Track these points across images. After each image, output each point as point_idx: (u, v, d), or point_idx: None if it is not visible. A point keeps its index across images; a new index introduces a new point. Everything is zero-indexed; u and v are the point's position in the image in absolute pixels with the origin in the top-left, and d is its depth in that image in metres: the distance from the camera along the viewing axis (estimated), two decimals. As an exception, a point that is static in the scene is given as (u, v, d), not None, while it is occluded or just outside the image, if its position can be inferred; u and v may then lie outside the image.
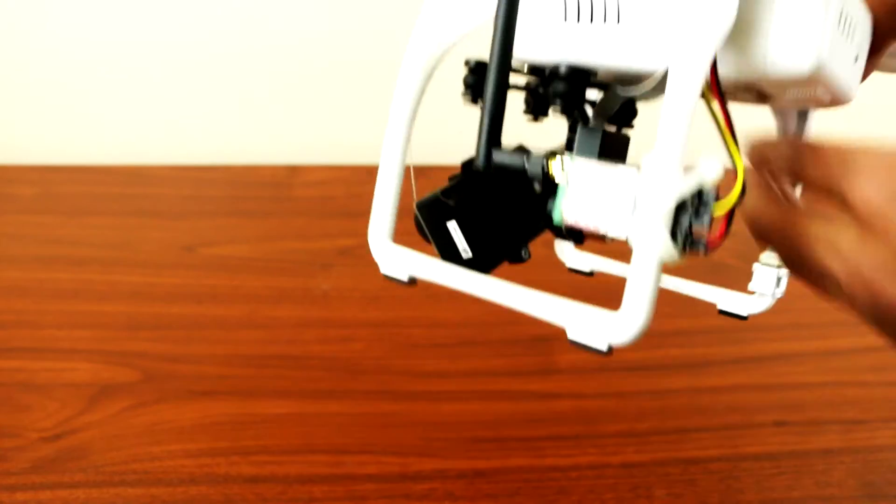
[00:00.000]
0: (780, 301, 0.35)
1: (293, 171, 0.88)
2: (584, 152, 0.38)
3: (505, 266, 0.37)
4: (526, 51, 0.36)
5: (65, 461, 0.49)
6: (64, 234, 0.75)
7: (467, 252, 0.38)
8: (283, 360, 0.59)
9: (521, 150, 0.37)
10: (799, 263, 0.31)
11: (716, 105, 0.32)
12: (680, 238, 0.27)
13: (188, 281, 0.69)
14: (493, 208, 0.36)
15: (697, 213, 0.27)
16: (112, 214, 0.79)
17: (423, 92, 0.36)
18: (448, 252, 0.41)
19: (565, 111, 0.36)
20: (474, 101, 0.36)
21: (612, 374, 0.58)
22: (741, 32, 0.31)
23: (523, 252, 0.38)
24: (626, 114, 0.39)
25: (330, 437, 0.52)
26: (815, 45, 0.29)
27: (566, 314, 0.28)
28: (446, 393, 0.56)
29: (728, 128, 0.32)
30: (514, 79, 0.36)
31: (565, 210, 0.29)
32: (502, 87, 0.32)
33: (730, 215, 0.30)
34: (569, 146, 0.38)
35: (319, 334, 0.62)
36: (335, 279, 0.70)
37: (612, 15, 0.33)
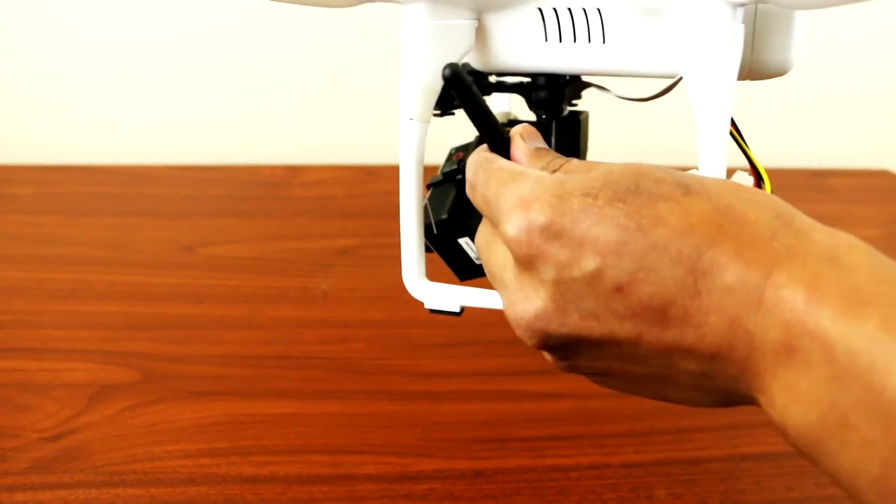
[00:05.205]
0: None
1: (293, 171, 0.88)
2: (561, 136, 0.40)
3: None
4: (508, 64, 0.38)
5: (64, 461, 0.49)
6: (63, 234, 0.75)
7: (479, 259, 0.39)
8: (283, 360, 0.59)
9: None
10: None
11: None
12: None
13: (187, 281, 0.68)
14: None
15: None
16: (111, 214, 0.79)
17: (424, 147, 0.37)
18: (461, 265, 0.41)
19: (548, 114, 0.38)
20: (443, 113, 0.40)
21: (612, 375, 0.58)
22: None
23: None
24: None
25: (330, 437, 0.52)
26: None
27: None
28: (446, 393, 0.56)
29: (742, 138, 0.34)
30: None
31: None
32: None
33: None
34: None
35: (319, 334, 0.62)
36: (335, 279, 0.69)
37: (596, 37, 0.35)
